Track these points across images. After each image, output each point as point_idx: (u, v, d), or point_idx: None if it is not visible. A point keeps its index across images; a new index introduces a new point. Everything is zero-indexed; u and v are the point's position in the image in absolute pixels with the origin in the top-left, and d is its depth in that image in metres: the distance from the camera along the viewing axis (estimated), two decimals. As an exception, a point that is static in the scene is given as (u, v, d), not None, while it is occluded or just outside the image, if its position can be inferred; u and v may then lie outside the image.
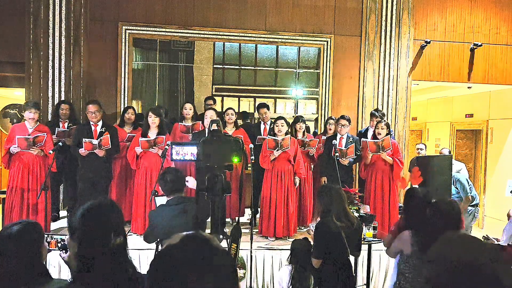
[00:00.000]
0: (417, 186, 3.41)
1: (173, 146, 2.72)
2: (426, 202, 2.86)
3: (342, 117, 5.58)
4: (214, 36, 6.67)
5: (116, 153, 5.26)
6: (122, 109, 6.10)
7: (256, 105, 6.46)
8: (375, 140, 5.18)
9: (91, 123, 5.14)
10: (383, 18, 6.87)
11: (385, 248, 3.26)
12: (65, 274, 4.00)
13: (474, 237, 1.15)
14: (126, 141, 5.42)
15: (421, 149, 6.99)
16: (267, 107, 6.08)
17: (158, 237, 3.18)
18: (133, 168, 5.19)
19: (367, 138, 5.68)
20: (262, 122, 6.04)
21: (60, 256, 1.88)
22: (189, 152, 2.72)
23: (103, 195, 5.10)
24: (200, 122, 5.59)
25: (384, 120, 5.44)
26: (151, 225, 3.20)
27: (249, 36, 6.71)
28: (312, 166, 5.76)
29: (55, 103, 5.99)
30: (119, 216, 1.65)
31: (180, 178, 3.24)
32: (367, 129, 6.20)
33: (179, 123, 5.65)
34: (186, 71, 6.96)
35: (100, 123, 5.18)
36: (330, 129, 5.93)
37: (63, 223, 5.50)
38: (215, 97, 6.63)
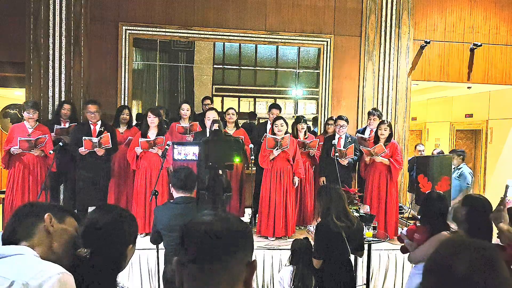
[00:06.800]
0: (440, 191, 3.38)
1: (175, 146, 2.73)
2: (445, 206, 2.89)
3: (340, 117, 5.59)
4: (214, 36, 6.66)
5: (115, 152, 5.25)
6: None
7: (269, 105, 6.44)
8: (368, 148, 5.27)
9: (90, 122, 5.14)
10: (383, 18, 6.87)
11: (406, 255, 3.13)
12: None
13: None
14: (124, 144, 5.40)
15: (421, 151, 7.02)
16: (279, 108, 6.09)
17: (159, 233, 3.16)
18: (133, 169, 5.19)
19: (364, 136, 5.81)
20: (269, 122, 6.06)
21: None
22: (190, 152, 2.73)
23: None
24: (198, 122, 5.59)
25: (387, 121, 5.44)
26: (154, 222, 3.19)
27: (249, 36, 6.71)
28: (313, 166, 5.77)
29: (57, 103, 5.98)
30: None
31: (192, 178, 3.20)
32: (364, 128, 6.22)
33: (176, 123, 5.66)
34: (186, 71, 6.96)
35: (99, 123, 5.17)
36: (329, 130, 5.95)
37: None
38: (215, 97, 6.62)
